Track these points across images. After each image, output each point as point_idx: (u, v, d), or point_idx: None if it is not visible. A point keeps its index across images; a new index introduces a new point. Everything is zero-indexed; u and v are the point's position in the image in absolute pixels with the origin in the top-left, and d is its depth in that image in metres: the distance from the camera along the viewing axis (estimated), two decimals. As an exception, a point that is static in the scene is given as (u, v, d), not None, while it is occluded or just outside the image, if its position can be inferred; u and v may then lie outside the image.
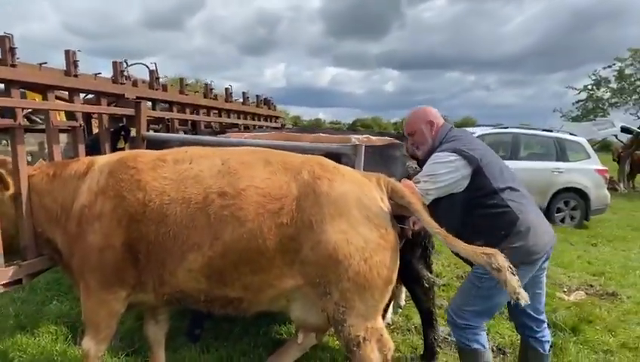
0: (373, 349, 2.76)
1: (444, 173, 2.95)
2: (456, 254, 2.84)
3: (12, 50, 3.12)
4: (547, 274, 6.30)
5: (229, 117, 6.32)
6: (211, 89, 5.99)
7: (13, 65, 3.12)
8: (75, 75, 3.62)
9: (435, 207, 2.96)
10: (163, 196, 2.75)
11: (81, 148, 3.66)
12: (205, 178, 2.76)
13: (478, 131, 11.27)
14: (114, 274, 2.86)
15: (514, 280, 2.48)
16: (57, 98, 3.65)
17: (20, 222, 3.14)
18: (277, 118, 8.58)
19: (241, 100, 7.09)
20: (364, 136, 4.51)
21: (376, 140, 4.29)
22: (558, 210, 10.91)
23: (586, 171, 10.77)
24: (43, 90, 3.43)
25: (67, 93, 3.67)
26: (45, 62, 3.49)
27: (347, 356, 3.69)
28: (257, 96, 7.75)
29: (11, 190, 3.04)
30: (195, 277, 2.77)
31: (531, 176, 10.16)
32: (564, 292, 6.00)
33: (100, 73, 4.06)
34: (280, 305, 2.94)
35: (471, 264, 3.09)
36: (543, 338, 3.26)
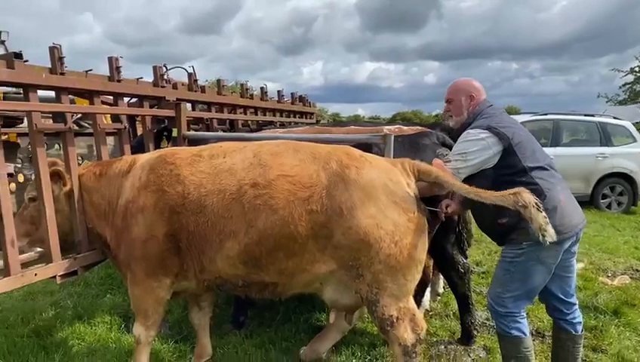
0: (407, 328, 2.87)
1: (476, 150, 2.99)
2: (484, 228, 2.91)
3: (61, 59, 3.37)
4: (591, 260, 6.29)
5: (264, 115, 6.52)
6: (247, 89, 6.19)
7: (62, 74, 3.37)
8: (119, 80, 3.86)
9: (466, 182, 3.01)
10: (200, 189, 2.94)
11: (127, 148, 3.90)
12: (238, 170, 2.93)
13: (519, 119, 11.11)
14: (158, 262, 3.07)
15: (540, 216, 2.56)
16: (103, 103, 3.90)
17: (73, 218, 3.39)
18: (312, 114, 8.73)
19: (276, 98, 7.27)
20: (396, 126, 4.59)
21: (407, 130, 4.37)
22: (604, 196, 10.66)
23: (632, 155, 10.48)
24: (89, 95, 3.68)
25: (112, 97, 3.92)
26: (91, 70, 3.73)
27: (383, 338, 3.84)
28: (292, 93, 7.92)
29: (68, 186, 3.29)
30: (232, 263, 2.94)
31: (574, 162, 9.97)
32: (608, 276, 5.90)
33: (141, 78, 4.29)
34: (313, 288, 3.09)
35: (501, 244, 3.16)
36: (574, 320, 3.25)
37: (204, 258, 3.01)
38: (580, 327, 3.28)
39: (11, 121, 4.36)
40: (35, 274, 3.09)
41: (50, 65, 3.35)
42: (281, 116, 7.07)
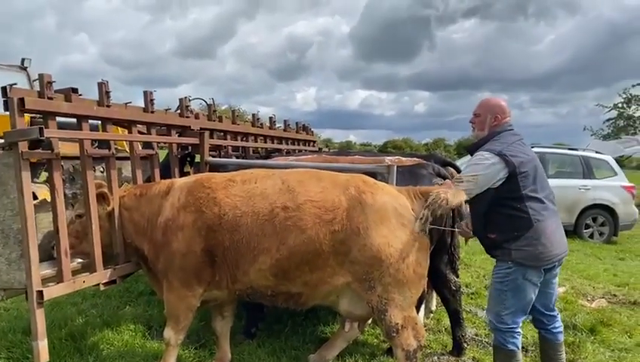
0: (410, 335, 3.35)
1: (485, 174, 3.34)
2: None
3: (107, 93, 3.85)
4: (573, 284, 6.77)
5: (272, 142, 7.02)
6: (258, 118, 6.71)
7: (108, 106, 3.86)
8: (152, 112, 4.35)
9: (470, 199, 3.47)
10: (235, 210, 3.41)
11: (157, 172, 4.35)
12: (270, 195, 3.41)
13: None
14: (194, 274, 3.52)
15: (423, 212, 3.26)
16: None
17: (113, 233, 3.82)
18: (314, 142, 9.26)
19: (283, 127, 7.79)
20: (396, 157, 5.09)
21: (406, 161, 4.87)
22: (587, 226, 11.23)
23: (613, 188, 11.10)
24: (128, 125, 4.16)
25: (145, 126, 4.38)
26: (130, 102, 4.21)
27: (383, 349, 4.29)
28: (297, 123, 8.44)
29: (111, 206, 3.74)
30: (264, 275, 3.41)
31: (559, 193, 10.40)
32: (587, 300, 6.39)
33: (168, 109, 4.76)
34: (330, 300, 3.57)
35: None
36: (555, 330, 3.73)
37: (238, 271, 3.46)
38: (561, 336, 3.75)
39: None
40: (83, 282, 3.52)
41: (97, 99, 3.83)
42: (287, 144, 7.57)
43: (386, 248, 3.22)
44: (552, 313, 3.72)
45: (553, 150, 11.91)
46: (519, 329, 3.55)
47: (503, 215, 3.43)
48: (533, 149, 12.33)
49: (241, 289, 3.56)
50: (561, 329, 3.78)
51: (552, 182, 12.11)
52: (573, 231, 10.97)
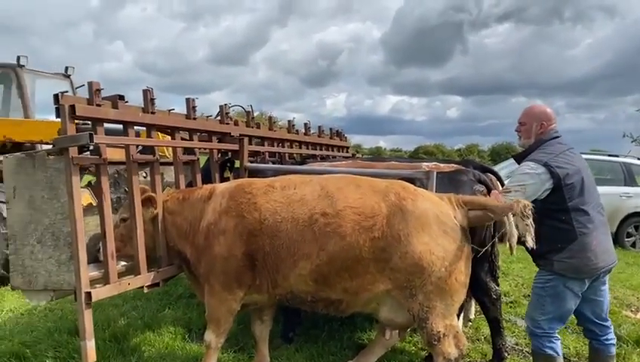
0: (451, 344, 3.31)
1: (532, 183, 3.35)
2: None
3: (152, 100, 3.95)
4: (616, 295, 6.58)
5: (307, 148, 7.07)
6: (293, 125, 6.77)
7: (152, 113, 3.95)
8: (194, 118, 4.44)
9: None
10: (275, 216, 3.44)
11: (198, 177, 4.43)
12: (309, 201, 3.43)
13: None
14: (235, 277, 3.56)
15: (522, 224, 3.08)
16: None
17: (156, 237, 3.90)
18: (347, 148, 9.27)
19: (317, 133, 7.83)
20: (433, 163, 5.06)
21: (444, 167, 4.83)
22: (629, 235, 10.89)
23: (656, 195, 10.72)
24: (172, 131, 4.25)
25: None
26: (173, 109, 4.31)
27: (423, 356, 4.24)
28: (330, 128, 8.47)
29: (158, 209, 3.82)
30: (304, 280, 3.43)
31: (598, 201, 10.26)
32: (632, 311, 6.20)
33: (209, 116, 4.85)
34: (371, 308, 3.56)
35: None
36: (607, 341, 3.65)
37: (278, 275, 3.49)
38: (613, 349, 3.66)
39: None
40: (128, 284, 3.60)
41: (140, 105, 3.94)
42: (322, 150, 7.60)
43: (428, 255, 3.19)
44: (604, 323, 3.64)
45: (593, 156, 11.60)
46: (556, 335, 3.53)
47: (547, 226, 3.38)
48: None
49: (281, 294, 3.59)
50: (614, 341, 3.70)
51: (592, 190, 11.56)
52: (614, 240, 10.60)
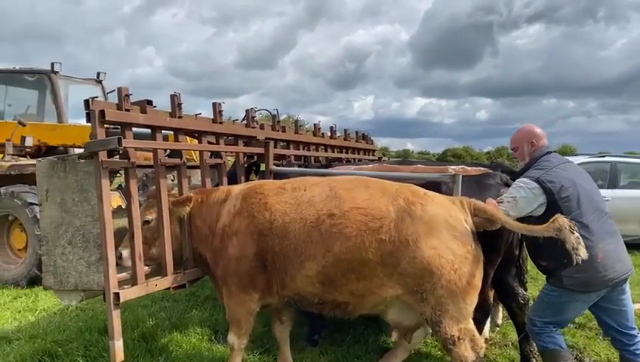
0: (467, 347, 3.27)
1: (523, 196, 3.40)
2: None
3: (179, 105, 4.02)
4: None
5: (333, 151, 7.08)
6: (319, 128, 6.79)
7: (180, 117, 4.02)
8: (221, 123, 4.51)
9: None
10: (285, 216, 3.47)
11: (225, 180, 4.49)
12: (317, 202, 3.45)
13: (575, 161, 11.19)
14: (248, 278, 3.60)
15: (572, 237, 2.96)
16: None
17: (183, 239, 3.96)
18: (374, 151, 9.23)
19: (343, 136, 7.84)
20: (460, 166, 5.00)
21: (471, 170, 4.77)
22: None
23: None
24: (199, 135, 4.32)
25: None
26: (200, 113, 4.37)
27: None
28: (357, 132, 8.46)
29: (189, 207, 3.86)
30: (311, 282, 3.44)
31: (631, 205, 9.97)
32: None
33: (236, 120, 4.92)
34: (378, 310, 3.55)
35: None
36: (637, 351, 3.54)
37: (286, 276, 3.51)
38: None
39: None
40: (156, 285, 3.67)
41: (170, 110, 4.01)
42: (347, 153, 7.61)
43: (437, 260, 3.16)
44: (631, 331, 3.54)
45: (625, 159, 11.27)
46: (555, 329, 3.56)
47: (551, 242, 3.31)
48: (603, 158, 11.71)
49: (288, 296, 3.60)
50: None
51: (624, 193, 11.47)
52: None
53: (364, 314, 3.69)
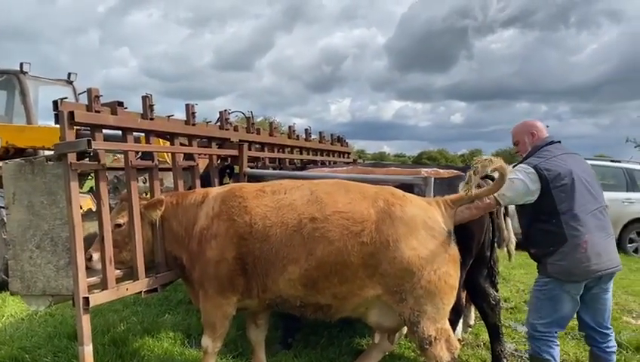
0: (443, 348, 3.31)
1: (520, 178, 3.42)
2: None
3: (151, 106, 3.97)
4: (617, 301, 6.55)
5: (308, 154, 7.08)
6: (294, 130, 6.79)
7: (151, 119, 3.97)
8: (194, 124, 4.47)
9: (518, 212, 3.65)
10: (265, 220, 3.46)
11: (198, 183, 4.45)
12: (298, 206, 3.45)
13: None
14: (227, 282, 3.57)
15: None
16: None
17: (154, 242, 3.91)
18: (349, 153, 9.27)
19: (318, 139, 7.85)
20: (433, 169, 5.06)
21: (443, 173, 4.83)
22: (631, 241, 10.86)
23: (659, 201, 10.69)
24: (171, 137, 4.27)
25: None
26: (172, 115, 4.33)
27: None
28: (331, 134, 8.48)
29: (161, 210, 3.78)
30: (293, 285, 3.43)
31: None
32: (633, 317, 6.17)
33: (209, 121, 4.89)
34: (359, 312, 3.56)
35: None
36: (608, 349, 3.65)
37: (268, 279, 3.49)
38: (613, 357, 3.67)
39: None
40: (127, 289, 3.61)
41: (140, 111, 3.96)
42: (322, 155, 7.62)
43: (417, 260, 3.20)
44: (605, 330, 3.64)
45: (595, 162, 11.57)
46: (555, 340, 3.56)
47: (540, 230, 3.50)
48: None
49: (270, 299, 3.59)
50: (615, 349, 3.70)
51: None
52: (617, 246, 10.61)
53: (345, 317, 3.70)
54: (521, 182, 3.41)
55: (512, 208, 4.13)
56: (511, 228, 4.41)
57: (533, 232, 3.55)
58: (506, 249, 4.40)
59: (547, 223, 3.42)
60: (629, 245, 10.82)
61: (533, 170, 3.42)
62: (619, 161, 11.64)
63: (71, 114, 3.23)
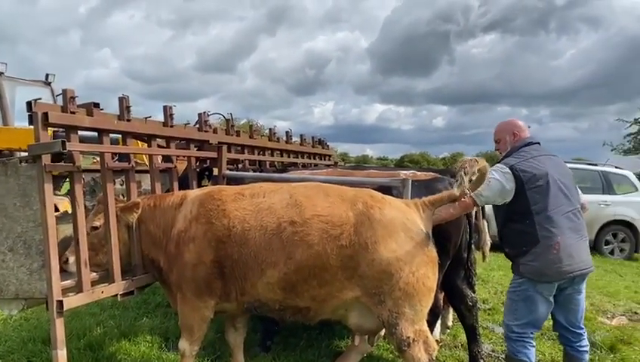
0: (421, 349, 3.32)
1: (496, 179, 3.45)
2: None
3: (128, 108, 3.94)
4: (592, 301, 6.66)
5: (289, 156, 7.08)
6: (274, 133, 6.79)
7: (128, 120, 3.94)
8: (171, 126, 4.44)
9: (495, 212, 3.71)
10: (244, 223, 3.44)
11: (176, 185, 4.42)
12: (277, 209, 3.43)
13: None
14: (205, 285, 3.55)
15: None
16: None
17: (131, 245, 3.87)
18: (330, 156, 9.30)
19: (299, 141, 7.86)
20: (411, 171, 5.10)
21: (421, 175, 4.87)
22: (607, 243, 11.06)
23: (634, 203, 10.94)
24: (148, 138, 4.24)
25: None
26: (150, 116, 4.30)
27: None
28: (312, 137, 8.51)
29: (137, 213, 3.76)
30: (272, 288, 3.42)
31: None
32: (607, 317, 6.28)
33: (188, 123, 4.86)
34: (339, 314, 3.56)
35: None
36: (580, 348, 3.72)
37: (246, 283, 3.48)
38: (586, 356, 3.74)
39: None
40: (102, 292, 3.57)
41: (118, 113, 3.92)
42: (304, 158, 7.63)
43: (395, 262, 3.21)
44: (578, 330, 3.70)
45: (572, 165, 11.77)
46: (531, 341, 3.61)
47: (513, 230, 3.57)
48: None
49: (249, 302, 3.57)
50: (587, 348, 3.77)
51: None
52: (593, 248, 10.79)
53: (324, 319, 3.69)
54: (497, 182, 3.45)
55: (489, 209, 4.20)
56: (486, 229, 4.47)
57: (507, 232, 3.62)
58: (481, 250, 4.46)
59: (520, 223, 3.48)
60: (605, 247, 11.03)
61: (509, 170, 3.46)
62: (595, 165, 11.85)
63: (45, 115, 3.19)
